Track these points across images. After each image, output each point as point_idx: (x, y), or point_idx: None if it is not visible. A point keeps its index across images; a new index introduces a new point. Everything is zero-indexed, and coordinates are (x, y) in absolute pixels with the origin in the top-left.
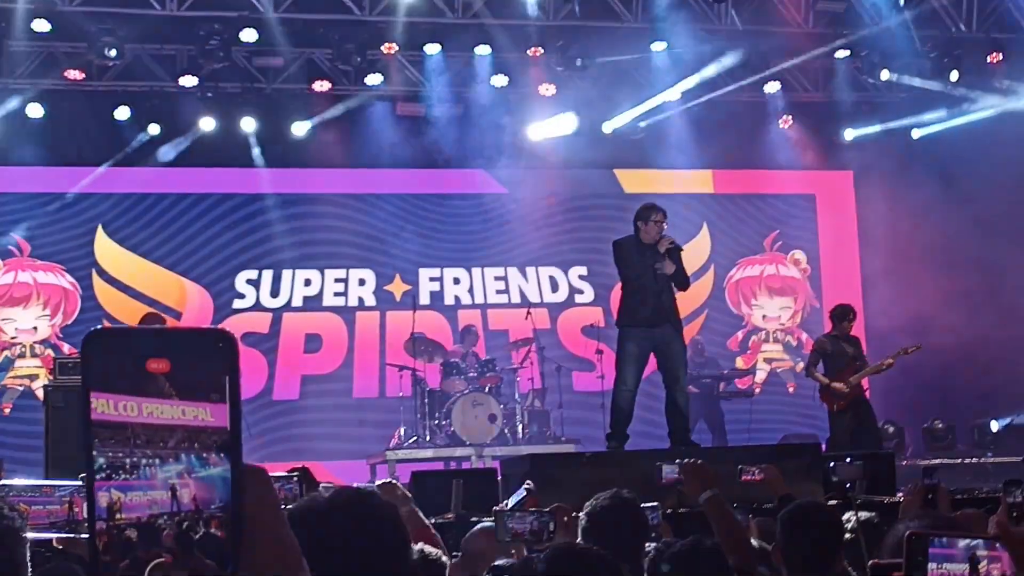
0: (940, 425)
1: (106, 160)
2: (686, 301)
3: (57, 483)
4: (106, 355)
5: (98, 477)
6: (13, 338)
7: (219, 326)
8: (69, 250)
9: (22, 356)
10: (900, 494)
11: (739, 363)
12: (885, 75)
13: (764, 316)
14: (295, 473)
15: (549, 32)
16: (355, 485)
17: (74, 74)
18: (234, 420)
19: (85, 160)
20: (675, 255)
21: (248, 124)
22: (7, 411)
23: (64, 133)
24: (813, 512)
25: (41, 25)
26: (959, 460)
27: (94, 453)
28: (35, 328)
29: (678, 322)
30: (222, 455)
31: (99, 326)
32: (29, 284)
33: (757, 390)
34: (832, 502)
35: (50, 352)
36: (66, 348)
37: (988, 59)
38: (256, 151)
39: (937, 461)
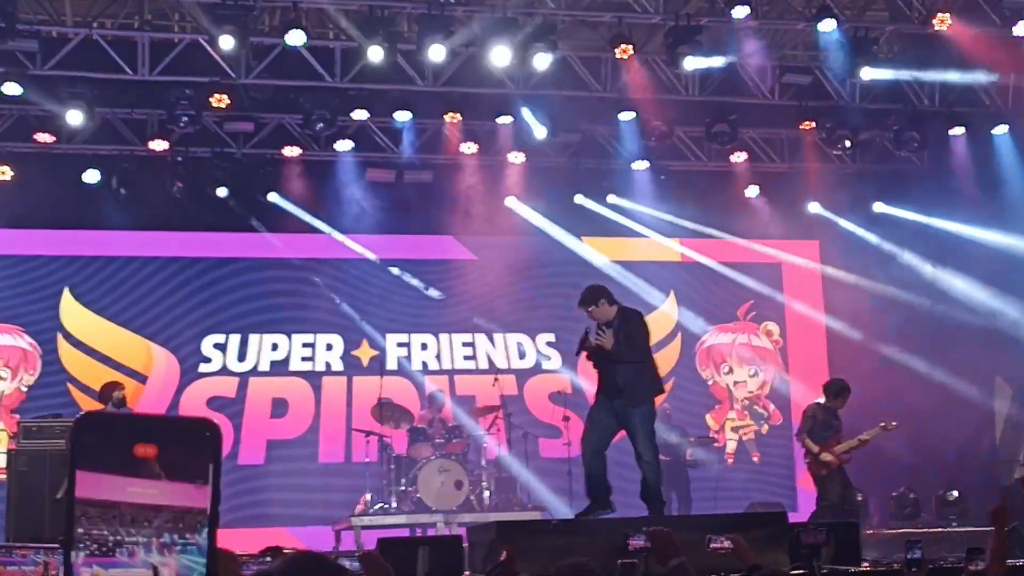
0: (912, 495)
1: (75, 223)
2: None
3: (34, 546)
4: (96, 437)
5: (82, 554)
6: None
7: (204, 417)
8: (32, 312)
9: None
10: (865, 564)
11: (710, 422)
12: (848, 145)
13: (734, 383)
14: (267, 554)
15: (518, 100)
16: (313, 551)
17: (44, 137)
18: (214, 504)
19: (53, 223)
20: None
21: (220, 189)
22: None
23: (33, 195)
24: None
25: (12, 88)
26: (927, 529)
27: (79, 530)
28: None
29: (633, 397)
30: (201, 535)
31: (92, 410)
32: None
33: (728, 459)
34: (798, 572)
35: (14, 416)
36: (28, 412)
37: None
38: (225, 216)
39: (917, 530)
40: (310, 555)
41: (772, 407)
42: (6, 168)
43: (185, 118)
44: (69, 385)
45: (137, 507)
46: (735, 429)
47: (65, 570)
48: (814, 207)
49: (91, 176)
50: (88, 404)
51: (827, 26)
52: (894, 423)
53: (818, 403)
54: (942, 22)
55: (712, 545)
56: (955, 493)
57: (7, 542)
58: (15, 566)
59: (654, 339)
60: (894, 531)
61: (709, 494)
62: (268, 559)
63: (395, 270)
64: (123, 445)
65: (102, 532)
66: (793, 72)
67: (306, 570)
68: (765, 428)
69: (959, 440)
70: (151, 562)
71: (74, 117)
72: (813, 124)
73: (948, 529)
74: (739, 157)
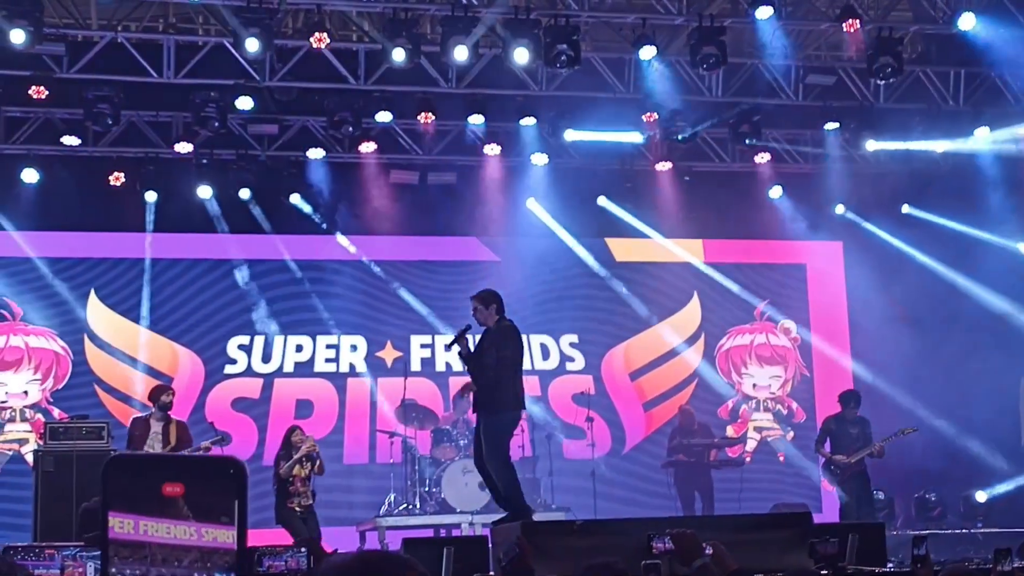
0: (932, 497)
1: (101, 226)
2: (677, 370)
3: (60, 545)
4: (126, 478)
5: None
6: (3, 402)
7: (230, 456)
8: (61, 314)
9: (12, 420)
10: (890, 565)
11: (729, 431)
12: (871, 146)
13: (754, 385)
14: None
15: (542, 102)
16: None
17: (70, 140)
18: (240, 542)
19: (80, 225)
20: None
21: (243, 191)
22: None
23: (59, 198)
24: None
25: (39, 92)
26: (952, 531)
27: (112, 569)
28: (26, 392)
29: (483, 406)
30: (231, 575)
31: (120, 451)
32: (20, 348)
33: (748, 459)
34: (823, 572)
35: (40, 417)
36: (56, 413)
37: (974, 132)
38: (250, 218)
39: (942, 532)
40: (386, 554)
41: (795, 406)
42: (33, 171)
43: (210, 122)
44: (96, 387)
45: (167, 548)
46: (758, 429)
47: None
48: (839, 208)
49: (117, 179)
50: (113, 405)
51: (851, 26)
52: (912, 428)
53: (832, 416)
54: (967, 22)
55: (656, 546)
56: (982, 495)
57: (33, 542)
58: (43, 568)
59: (679, 339)
60: (919, 532)
61: (733, 495)
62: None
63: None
64: (151, 485)
65: (135, 572)
66: (817, 72)
67: (377, 567)
68: (791, 433)
69: (985, 441)
70: None
71: (104, 123)
72: (837, 124)
73: (974, 531)
74: (763, 158)
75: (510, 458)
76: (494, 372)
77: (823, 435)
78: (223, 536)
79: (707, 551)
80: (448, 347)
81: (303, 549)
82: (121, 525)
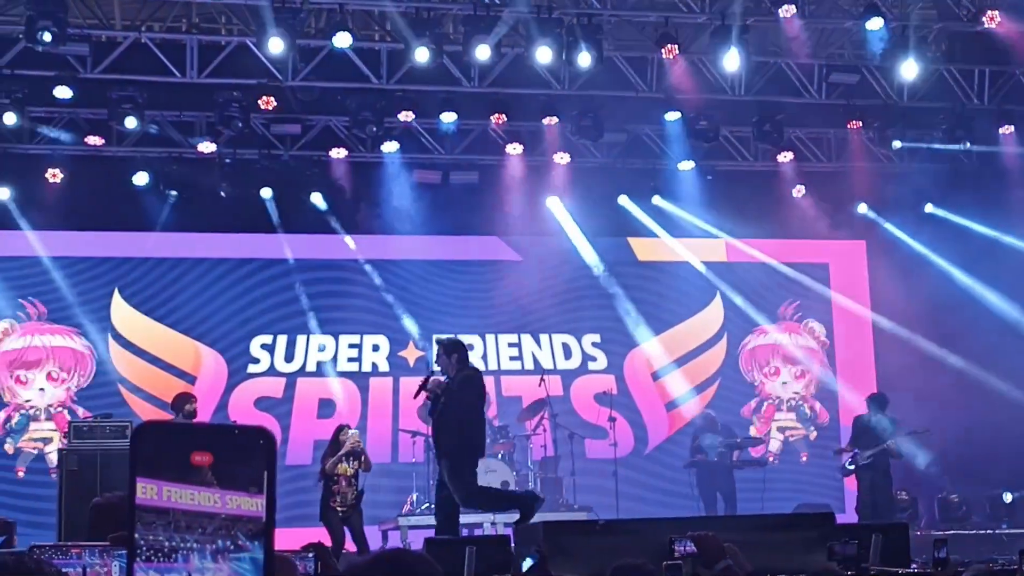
0: (954, 497)
1: (124, 225)
2: (699, 370)
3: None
4: (154, 445)
5: (138, 558)
6: (27, 401)
7: (260, 425)
8: (85, 314)
9: (36, 419)
10: (914, 565)
11: (752, 432)
12: (897, 145)
13: (780, 384)
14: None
15: (564, 101)
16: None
17: (94, 140)
18: (269, 511)
19: (103, 225)
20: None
21: (265, 190)
22: (21, 474)
23: (83, 198)
24: None
25: (63, 92)
26: (976, 531)
27: (137, 535)
28: (46, 391)
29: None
30: (256, 543)
31: (151, 420)
32: (44, 347)
33: (771, 459)
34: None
35: (65, 415)
36: (80, 412)
37: (999, 131)
38: (272, 217)
39: (966, 532)
40: (401, 552)
41: (819, 407)
42: (57, 171)
43: (233, 121)
44: (119, 386)
45: (192, 514)
46: (781, 430)
47: (128, 574)
48: (862, 208)
49: (140, 178)
50: (137, 405)
51: (874, 24)
52: (925, 429)
53: (860, 416)
54: (991, 19)
55: (678, 549)
56: (1008, 496)
57: (58, 541)
58: (71, 567)
59: (701, 339)
60: (944, 532)
61: (756, 495)
62: (311, 555)
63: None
64: (180, 453)
65: (158, 537)
66: (840, 71)
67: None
68: (814, 432)
69: (1011, 442)
70: (206, 567)
71: (128, 122)
72: (860, 123)
73: (999, 531)
74: (786, 157)
75: (477, 484)
76: (456, 422)
77: (852, 434)
78: (248, 504)
79: (689, 548)
80: (416, 396)
81: (310, 553)
82: (146, 491)
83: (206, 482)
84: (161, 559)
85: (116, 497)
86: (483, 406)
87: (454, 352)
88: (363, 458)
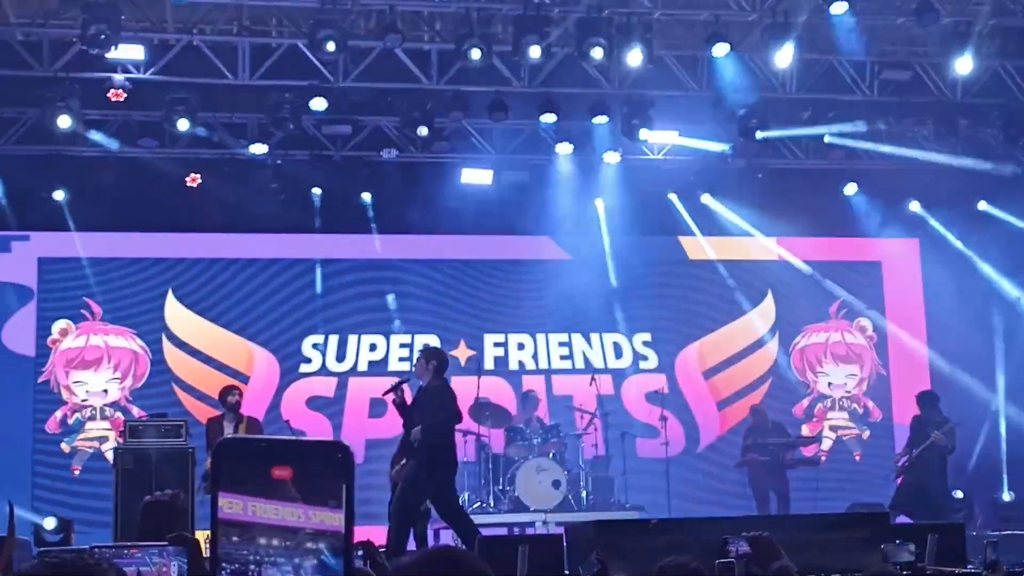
0: (1009, 497)
1: (178, 226)
2: (751, 368)
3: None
4: (235, 461)
5: (225, 572)
6: (84, 400)
7: (338, 440)
8: (140, 314)
9: (92, 418)
10: (971, 566)
11: (804, 431)
12: (947, 142)
13: (830, 384)
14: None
15: (614, 100)
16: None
17: (148, 142)
18: (348, 526)
19: (157, 226)
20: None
21: (316, 191)
22: (77, 473)
23: (137, 199)
24: None
25: (117, 94)
26: None
27: (222, 550)
28: (105, 391)
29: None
30: (338, 558)
31: (231, 436)
32: (100, 347)
33: (823, 458)
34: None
35: (120, 415)
36: (136, 411)
37: None
38: (324, 218)
39: (1006, 533)
40: (449, 549)
41: (872, 405)
42: (112, 173)
43: (285, 123)
44: (174, 385)
45: (276, 529)
46: (834, 429)
47: None
48: (914, 205)
49: (194, 180)
50: (191, 404)
51: (928, 21)
52: (948, 427)
53: (915, 416)
54: None
55: (732, 549)
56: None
57: (114, 539)
58: (131, 566)
59: (752, 338)
60: (999, 533)
61: (809, 494)
62: (360, 553)
63: (390, 297)
64: (260, 468)
65: (242, 552)
66: (892, 68)
67: (446, 565)
68: (867, 432)
69: None
70: None
71: (181, 124)
72: (913, 121)
73: None
74: (837, 155)
75: (417, 507)
76: (424, 432)
77: (911, 435)
78: (331, 519)
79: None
80: (384, 394)
81: (359, 552)
82: (230, 506)
83: (290, 497)
84: (245, 573)
85: (166, 496)
86: (450, 420)
87: (433, 360)
88: None
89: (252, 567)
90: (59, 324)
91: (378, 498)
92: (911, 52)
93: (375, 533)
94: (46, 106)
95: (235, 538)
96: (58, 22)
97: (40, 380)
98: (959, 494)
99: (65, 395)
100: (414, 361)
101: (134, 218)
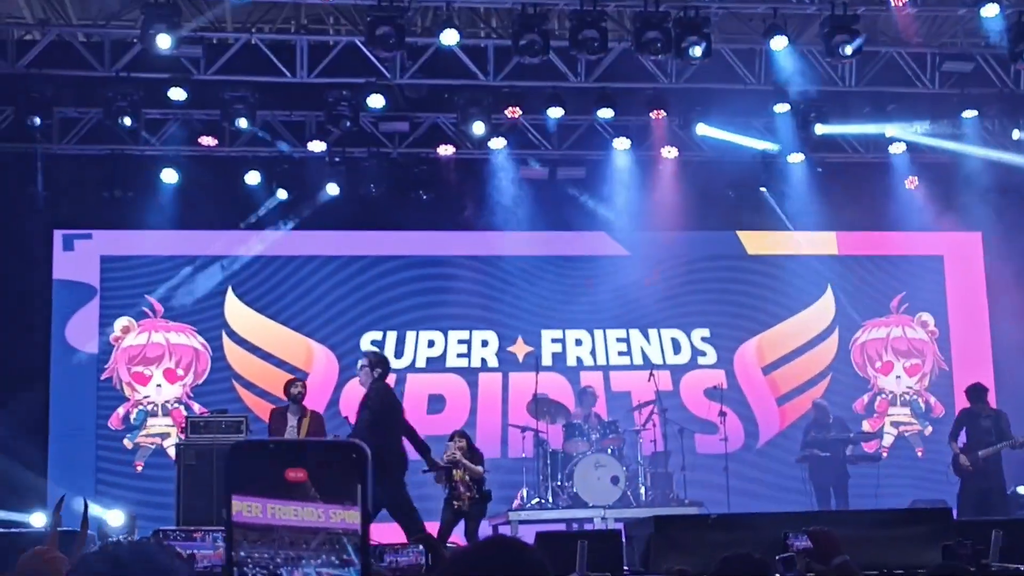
0: None
1: (237, 224)
2: (811, 364)
3: (207, 529)
4: (249, 464)
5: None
6: (146, 397)
7: (352, 440)
8: (200, 311)
9: (154, 415)
10: None
11: (865, 426)
12: (1016, 135)
13: (892, 378)
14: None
15: (671, 94)
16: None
17: (207, 140)
18: (364, 525)
19: (217, 224)
20: None
21: (373, 188)
22: (139, 468)
23: (197, 197)
24: None
25: (177, 94)
26: None
27: (241, 553)
28: (164, 387)
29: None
30: (355, 556)
31: (244, 440)
32: (162, 344)
33: (884, 454)
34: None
35: (181, 411)
36: (196, 407)
37: None
38: (381, 214)
39: None
40: (505, 539)
41: (933, 400)
42: (172, 171)
43: (343, 120)
44: (234, 382)
45: (295, 530)
46: (895, 424)
47: None
48: (977, 198)
49: (252, 178)
50: (251, 400)
51: (990, 11)
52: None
53: (964, 409)
54: None
55: (793, 544)
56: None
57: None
58: (195, 549)
59: (812, 333)
60: None
61: (870, 491)
62: (420, 548)
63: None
64: (275, 470)
65: (263, 555)
66: (953, 59)
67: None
68: (929, 427)
69: None
70: None
71: (240, 122)
72: (976, 112)
73: None
74: (898, 148)
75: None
76: (366, 431)
77: (957, 427)
78: (351, 517)
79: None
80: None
81: (419, 546)
82: (249, 509)
83: (309, 497)
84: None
85: None
86: (391, 421)
87: (377, 367)
88: (461, 469)
89: (272, 570)
90: (121, 321)
91: (437, 495)
92: (972, 43)
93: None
94: (107, 106)
95: (255, 541)
96: (119, 23)
97: (103, 377)
98: (1022, 490)
99: (127, 392)
100: (358, 367)
101: (194, 216)
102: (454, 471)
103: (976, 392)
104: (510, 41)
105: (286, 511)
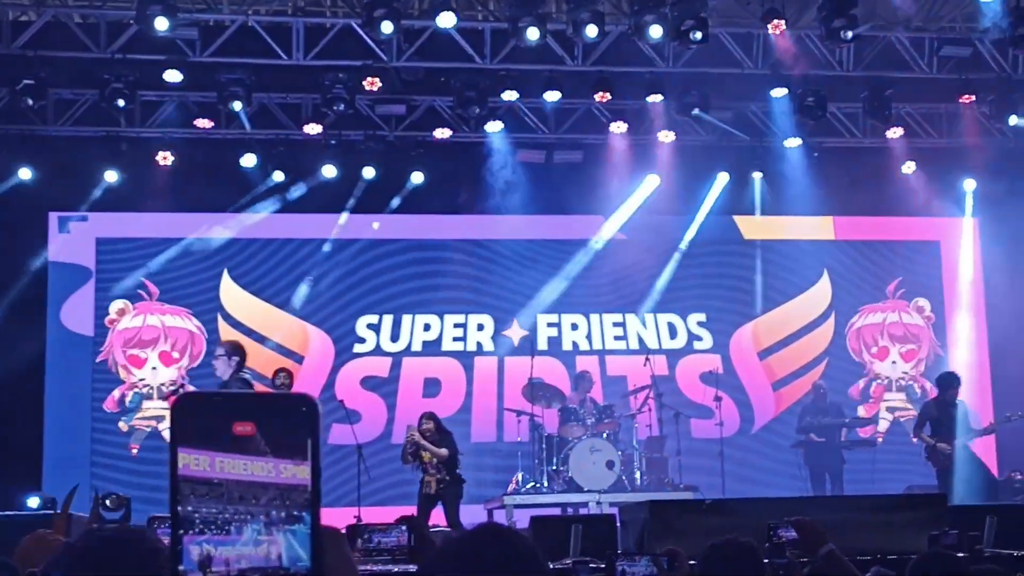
0: None
1: (233, 207)
2: (807, 349)
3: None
4: (196, 417)
5: (191, 531)
6: (141, 380)
7: (303, 392)
8: (196, 294)
9: (149, 398)
10: None
11: (861, 412)
12: (1013, 121)
13: (888, 363)
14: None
15: (669, 79)
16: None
17: (203, 123)
18: (315, 480)
19: (213, 206)
20: None
21: (369, 171)
22: (135, 452)
23: (193, 180)
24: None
25: (173, 75)
26: None
27: (189, 508)
28: (158, 369)
29: None
30: (305, 514)
31: (190, 391)
32: (157, 327)
33: (880, 439)
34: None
35: (178, 393)
36: (192, 390)
37: None
38: (377, 197)
39: None
40: (496, 527)
41: (929, 385)
42: (168, 153)
43: (339, 103)
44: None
45: (245, 484)
46: (891, 410)
47: (172, 547)
48: (972, 184)
49: (248, 160)
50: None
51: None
52: (1016, 414)
53: (932, 399)
54: None
55: (780, 535)
56: None
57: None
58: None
59: (808, 318)
60: None
61: (866, 476)
62: (403, 528)
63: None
64: (222, 424)
65: (211, 510)
66: (952, 44)
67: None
68: None
69: None
70: (258, 539)
71: (236, 105)
72: (973, 98)
73: None
74: (895, 133)
75: None
76: None
77: (922, 420)
78: (302, 473)
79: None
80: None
81: (403, 526)
82: (196, 463)
83: (259, 451)
84: (215, 531)
85: None
86: None
87: (235, 356)
88: (425, 454)
89: (221, 525)
90: (117, 304)
91: (411, 479)
92: (971, 28)
93: (432, 515)
94: (103, 87)
95: (202, 495)
96: (115, 4)
97: (98, 360)
98: (1018, 475)
99: (123, 374)
100: (214, 356)
101: (190, 199)
102: (422, 453)
103: (950, 381)
104: (507, 24)
105: (234, 465)
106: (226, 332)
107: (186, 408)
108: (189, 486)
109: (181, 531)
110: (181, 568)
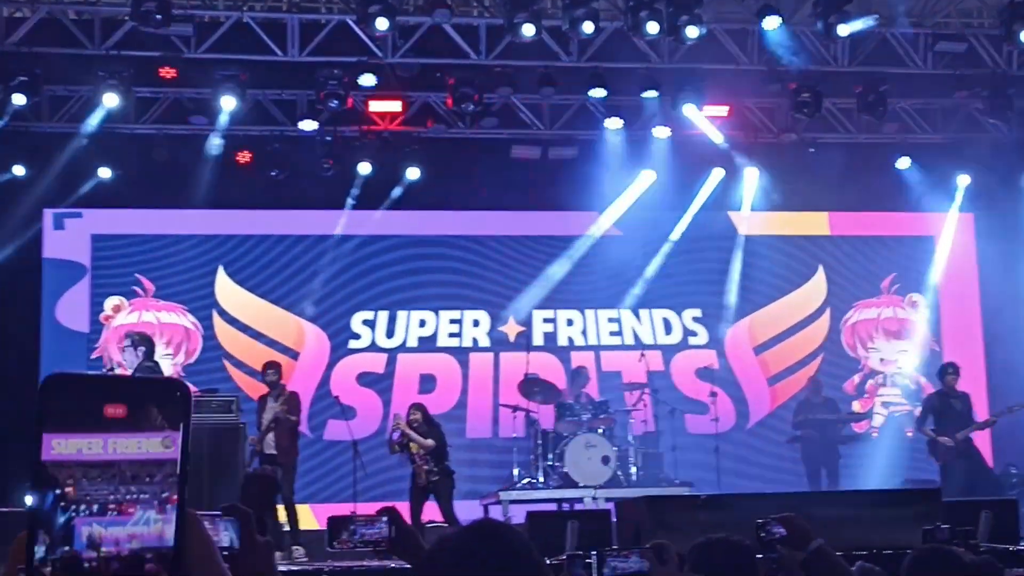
0: None
1: (228, 203)
2: (802, 344)
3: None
4: (64, 399)
5: (82, 513)
6: None
7: (175, 377)
8: (191, 290)
9: None
10: None
11: (856, 407)
12: (1006, 116)
13: (881, 359)
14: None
15: (664, 74)
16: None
17: (198, 119)
18: (183, 464)
19: (208, 203)
20: None
21: (364, 167)
22: None
23: (188, 176)
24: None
25: (167, 72)
26: None
27: (80, 491)
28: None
29: None
30: (172, 494)
31: (59, 372)
32: (153, 323)
33: (874, 434)
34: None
35: None
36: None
37: None
38: (373, 193)
39: None
40: (491, 523)
41: (924, 380)
42: (163, 150)
43: (334, 99)
44: (225, 362)
45: (111, 466)
46: (886, 405)
47: (29, 540)
48: (967, 179)
49: (243, 156)
50: (242, 379)
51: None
52: (1019, 405)
53: (934, 392)
54: None
55: (770, 532)
56: None
57: None
58: None
59: (803, 313)
60: None
61: (862, 471)
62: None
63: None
64: (93, 406)
65: (100, 491)
66: (947, 40)
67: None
68: (919, 408)
69: None
70: (141, 519)
71: (227, 103)
72: (968, 93)
73: None
74: (890, 128)
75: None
76: None
77: (924, 413)
78: (171, 454)
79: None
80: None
81: (384, 518)
82: (61, 445)
83: (129, 432)
84: (103, 512)
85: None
86: None
87: (141, 346)
88: (412, 444)
89: (84, 508)
90: (112, 300)
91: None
92: (966, 24)
93: (428, 510)
94: (98, 84)
95: (67, 479)
96: (109, 0)
97: (93, 356)
98: (1014, 469)
99: (118, 371)
100: (122, 347)
101: (185, 195)
102: (411, 444)
103: (946, 369)
104: (503, 20)
105: (103, 446)
106: (221, 328)
107: (54, 390)
108: (56, 469)
109: (72, 514)
110: (73, 549)
